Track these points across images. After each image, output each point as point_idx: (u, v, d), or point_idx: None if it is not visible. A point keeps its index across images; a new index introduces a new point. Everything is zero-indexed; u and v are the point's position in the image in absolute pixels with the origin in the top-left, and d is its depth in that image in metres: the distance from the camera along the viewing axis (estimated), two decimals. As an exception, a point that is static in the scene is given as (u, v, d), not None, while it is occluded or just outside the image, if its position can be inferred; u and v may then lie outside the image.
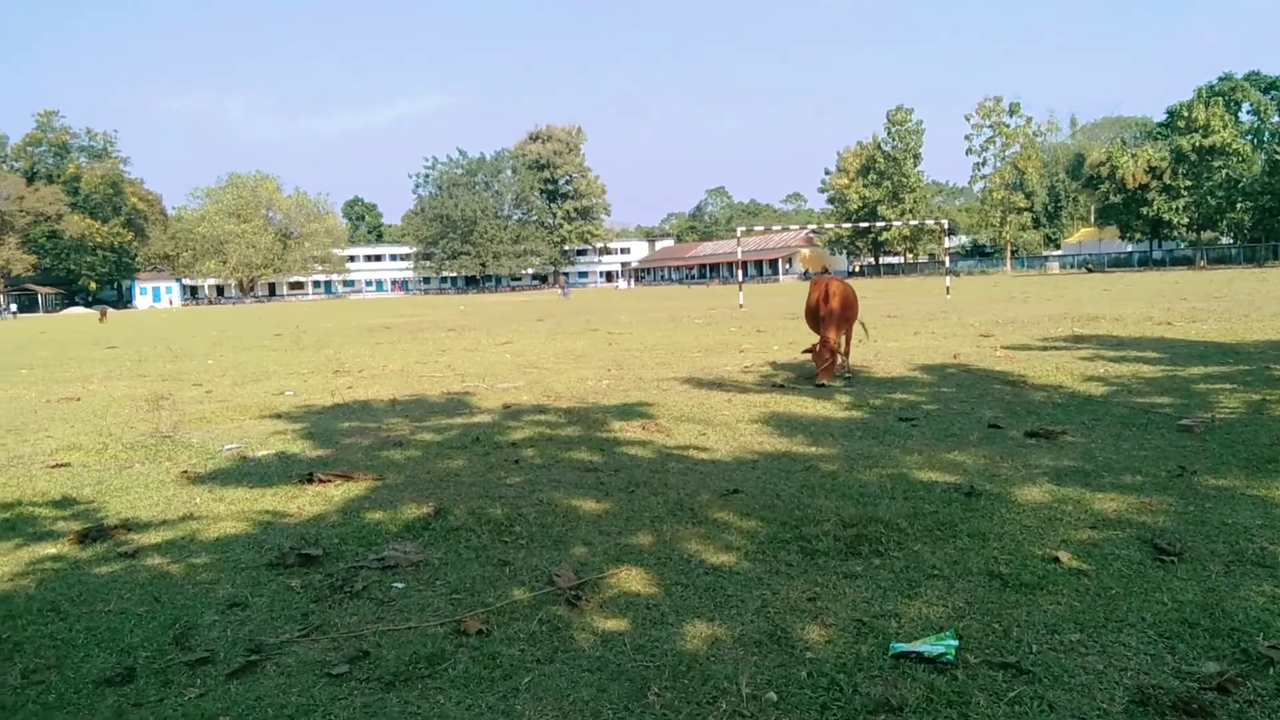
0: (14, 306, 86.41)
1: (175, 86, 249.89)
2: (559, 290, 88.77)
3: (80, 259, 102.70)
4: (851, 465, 6.12)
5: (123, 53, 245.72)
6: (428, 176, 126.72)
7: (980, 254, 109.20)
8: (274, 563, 4.53)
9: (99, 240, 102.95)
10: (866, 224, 79.06)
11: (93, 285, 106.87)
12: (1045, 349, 12.94)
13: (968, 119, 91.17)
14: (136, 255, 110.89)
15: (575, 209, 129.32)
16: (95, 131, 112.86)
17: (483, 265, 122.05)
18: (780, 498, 5.32)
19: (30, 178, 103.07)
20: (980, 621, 3.46)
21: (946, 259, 46.55)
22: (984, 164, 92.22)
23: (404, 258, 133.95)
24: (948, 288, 36.85)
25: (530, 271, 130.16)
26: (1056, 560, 4.06)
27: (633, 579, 4.11)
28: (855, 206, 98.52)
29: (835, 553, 4.31)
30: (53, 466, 7.28)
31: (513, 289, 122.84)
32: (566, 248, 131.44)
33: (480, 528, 4.97)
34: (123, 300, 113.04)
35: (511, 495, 5.66)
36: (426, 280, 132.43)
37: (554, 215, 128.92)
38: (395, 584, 4.19)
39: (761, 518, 4.93)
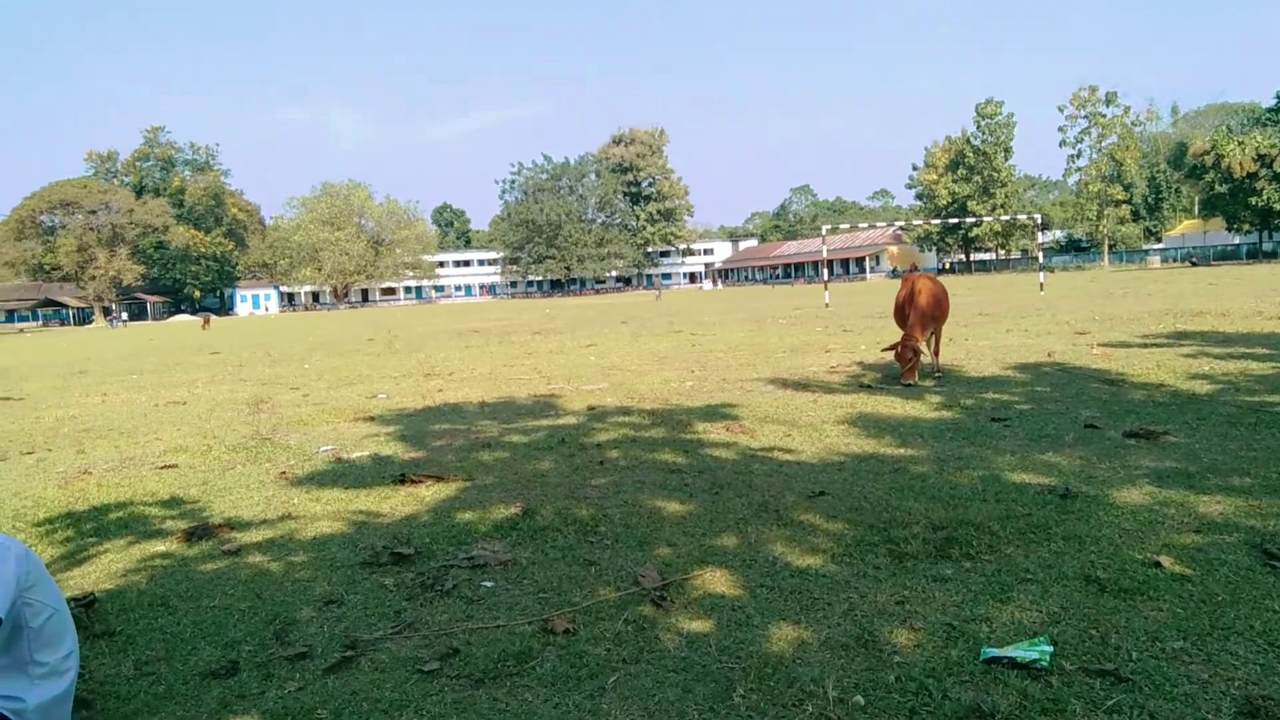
0: (125, 315, 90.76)
1: (272, 100, 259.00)
2: (655, 292, 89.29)
3: (185, 268, 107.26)
4: (942, 467, 6.00)
5: (224, 68, 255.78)
6: (514, 182, 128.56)
7: (1076, 249, 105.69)
8: (368, 561, 4.66)
9: (202, 250, 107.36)
10: (956, 220, 77.24)
11: (197, 293, 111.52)
12: (1145, 346, 12.47)
13: (1061, 110, 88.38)
14: (237, 264, 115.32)
15: (658, 211, 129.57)
16: (199, 145, 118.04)
17: (567, 269, 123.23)
18: (868, 500, 5.25)
19: (139, 191, 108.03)
20: (1076, 627, 3.36)
21: (1040, 254, 45.14)
22: (1079, 156, 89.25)
23: (491, 262, 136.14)
24: (1041, 284, 35.76)
25: (614, 274, 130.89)
26: (1158, 565, 3.91)
27: (718, 580, 4.11)
28: (944, 202, 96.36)
29: (924, 556, 4.24)
30: (161, 467, 7.62)
31: (597, 291, 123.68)
32: (649, 250, 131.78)
33: (567, 528, 5.03)
34: (224, 307, 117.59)
35: (597, 496, 5.72)
36: (513, 284, 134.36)
37: (637, 218, 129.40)
38: (484, 583, 4.27)
39: (848, 520, 4.88)
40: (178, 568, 4.80)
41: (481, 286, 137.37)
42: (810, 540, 4.58)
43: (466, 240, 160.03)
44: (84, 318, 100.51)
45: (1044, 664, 3.03)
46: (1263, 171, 75.44)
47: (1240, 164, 75.74)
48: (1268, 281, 32.89)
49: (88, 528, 5.76)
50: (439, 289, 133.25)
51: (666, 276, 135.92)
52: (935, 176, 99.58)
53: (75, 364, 23.82)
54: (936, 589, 3.83)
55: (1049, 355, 11.96)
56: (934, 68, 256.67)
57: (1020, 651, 3.11)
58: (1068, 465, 5.86)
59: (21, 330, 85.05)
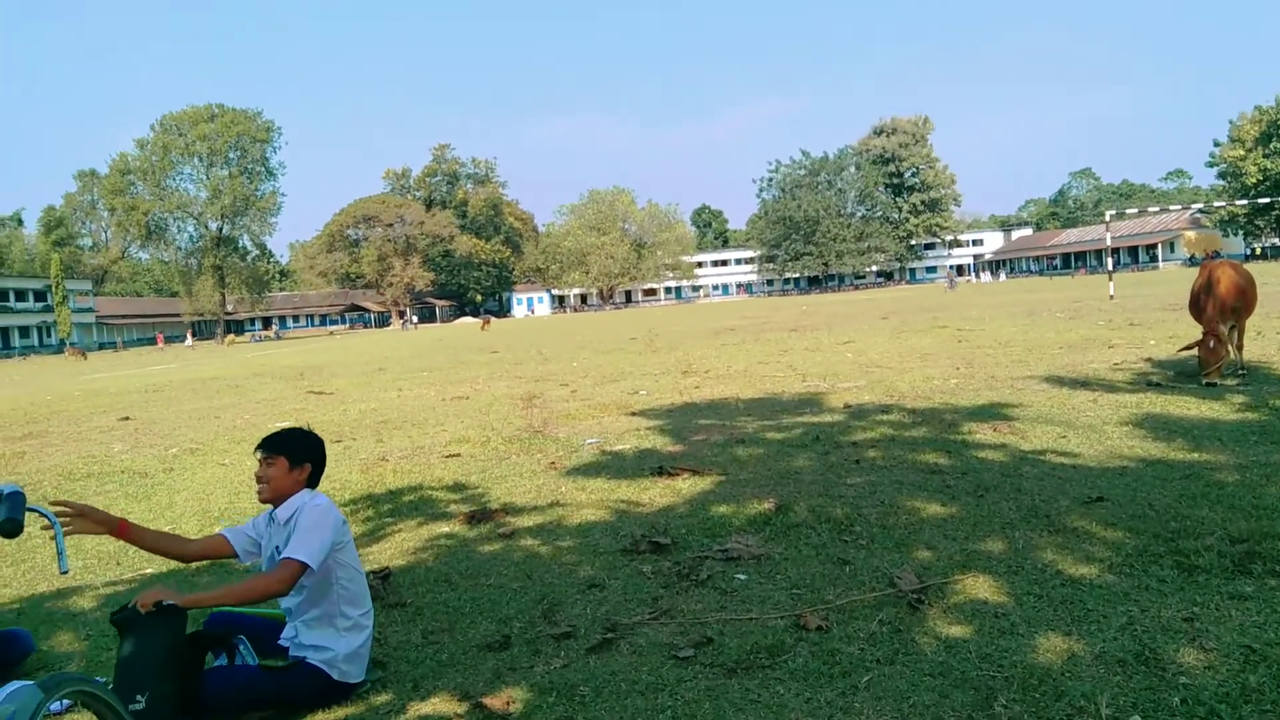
0: (415, 318, 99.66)
1: (541, 113, 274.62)
2: (945, 282, 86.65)
3: (468, 274, 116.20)
4: (1244, 474, 5.39)
5: (500, 87, 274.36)
6: (771, 180, 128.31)
7: None
8: (628, 549, 4.87)
9: (483, 257, 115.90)
10: (1268, 200, 68.49)
11: (478, 297, 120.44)
12: None
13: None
14: (513, 269, 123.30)
15: (922, 201, 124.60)
16: (479, 160, 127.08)
17: (825, 265, 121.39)
18: (1153, 507, 4.82)
19: (428, 204, 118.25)
20: None
21: (1378, 235, 39.20)
22: None
23: (748, 261, 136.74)
24: (1379, 269, 31.02)
25: (874, 269, 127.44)
26: None
27: (980, 586, 3.93)
28: (1254, 180, 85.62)
29: (1219, 570, 3.84)
30: (447, 456, 8.33)
31: (856, 288, 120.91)
32: (913, 242, 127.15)
33: (820, 525, 5.00)
34: (502, 310, 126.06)
35: (852, 495, 5.63)
36: (770, 283, 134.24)
37: (899, 209, 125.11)
38: (738, 575, 4.34)
39: (1130, 528, 4.50)
40: (460, 547, 5.24)
41: (738, 285, 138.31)
42: (1085, 548, 4.28)
43: (724, 240, 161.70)
44: (383, 321, 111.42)
45: (1367, 699, 2.67)
46: None
47: None
48: None
49: (385, 509, 6.42)
50: (697, 289, 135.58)
51: (931, 269, 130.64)
52: (1242, 152, 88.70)
53: (375, 362, 26.45)
54: (1233, 607, 3.46)
55: (1386, 350, 10.38)
56: (1235, 27, 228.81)
57: (1336, 683, 2.75)
58: (1406, 476, 5.08)
59: (331, 333, 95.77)
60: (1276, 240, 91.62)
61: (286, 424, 3.41)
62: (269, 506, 3.49)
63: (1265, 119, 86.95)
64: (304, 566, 3.21)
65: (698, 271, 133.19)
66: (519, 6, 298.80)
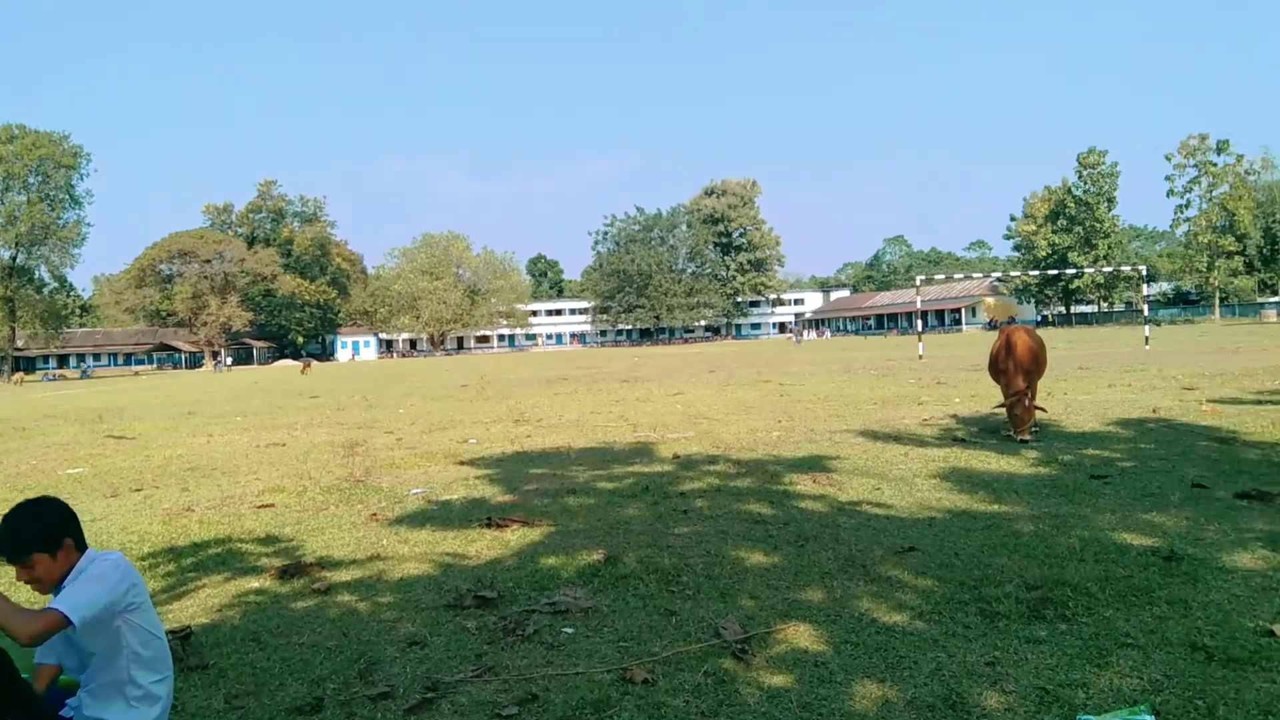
0: (229, 359, 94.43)
1: (377, 154, 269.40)
2: (792, 337, 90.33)
3: (290, 315, 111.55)
4: (1038, 524, 5.79)
5: (334, 123, 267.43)
6: (606, 233, 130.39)
7: (1184, 302, 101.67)
8: (452, 604, 4.72)
9: (307, 298, 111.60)
10: (1056, 271, 75.21)
11: (300, 339, 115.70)
12: (1260, 403, 11.86)
13: (1169, 159, 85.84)
14: (339, 311, 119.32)
15: (749, 261, 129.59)
16: (308, 198, 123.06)
17: (657, 318, 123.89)
18: (959, 556, 5.10)
19: (251, 241, 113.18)
20: (1180, 696, 3.18)
21: (1145, 307, 43.49)
22: (1188, 206, 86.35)
23: (582, 311, 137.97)
24: (1147, 337, 34.45)
25: (703, 323, 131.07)
26: (1271, 634, 3.69)
27: (801, 635, 4.03)
28: (1044, 253, 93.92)
29: (1017, 616, 4.08)
30: (259, 507, 7.88)
31: (685, 341, 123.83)
32: (739, 299, 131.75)
33: (649, 576, 5.01)
34: (325, 353, 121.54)
35: (680, 545, 5.68)
36: (603, 333, 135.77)
37: (727, 267, 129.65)
38: (565, 629, 4.28)
39: (938, 576, 4.74)
40: (270, 604, 4.93)
41: (572, 335, 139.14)
42: (898, 596, 4.46)
43: (559, 290, 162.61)
44: (195, 362, 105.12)
45: (1145, 734, 2.88)
46: (1390, 221, 71.64)
47: (1364, 214, 72.11)
48: (1397, 337, 31.01)
49: (188, 563, 5.98)
50: (531, 337, 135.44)
51: (755, 326, 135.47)
52: (1034, 227, 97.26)
53: (184, 405, 24.88)
54: (1029, 651, 3.68)
55: (1154, 411, 11.48)
56: (1032, 117, 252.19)
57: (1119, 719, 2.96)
58: (1173, 526, 5.60)
59: (137, 373, 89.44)
60: (1063, 308, 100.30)
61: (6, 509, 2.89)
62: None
63: (1053, 198, 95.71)
64: (63, 621, 2.80)
65: (532, 320, 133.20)
66: (358, 45, 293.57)
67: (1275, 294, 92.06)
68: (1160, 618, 3.97)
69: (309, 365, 64.51)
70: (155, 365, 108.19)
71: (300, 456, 11.38)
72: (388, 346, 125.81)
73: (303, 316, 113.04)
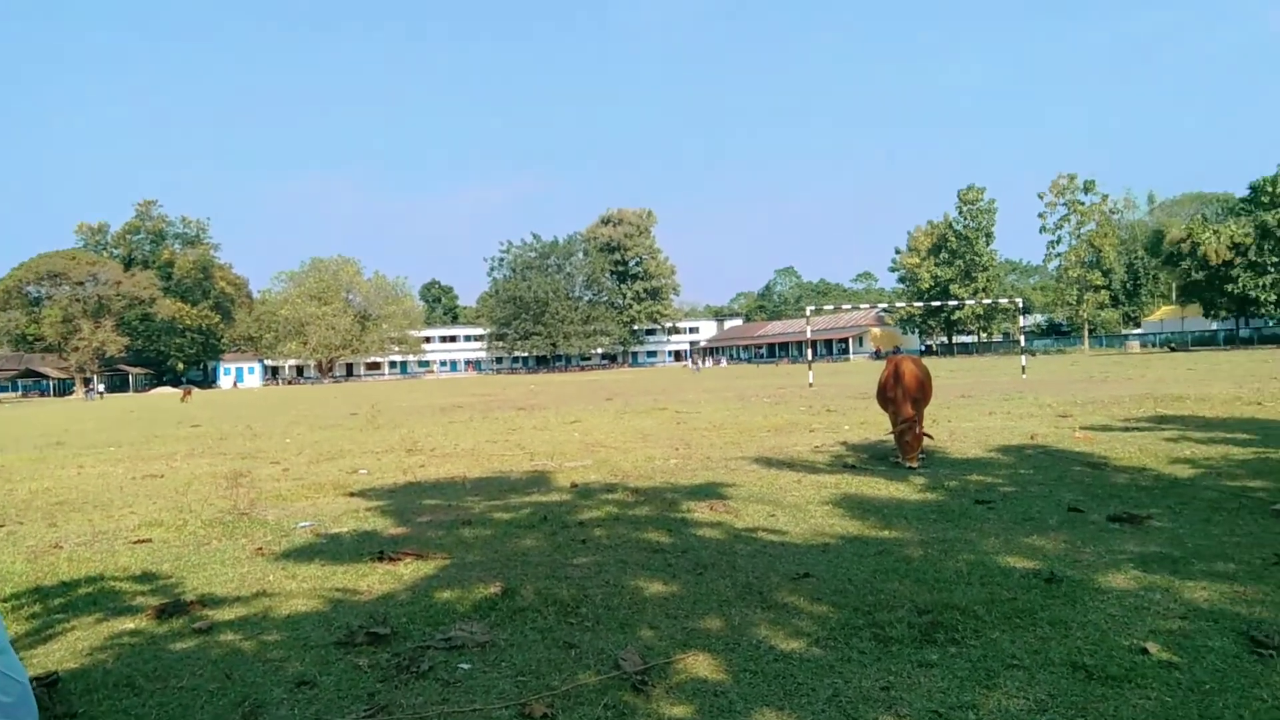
0: (102, 386, 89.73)
1: (265, 175, 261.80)
2: (690, 365, 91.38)
3: (170, 340, 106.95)
4: (926, 549, 5.96)
5: (218, 141, 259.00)
6: (502, 260, 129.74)
7: (1057, 333, 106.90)
8: (343, 641, 4.56)
9: (188, 323, 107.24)
10: (938, 303, 78.21)
11: (180, 366, 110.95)
12: (1127, 430, 12.53)
13: (1041, 197, 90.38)
14: (223, 337, 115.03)
15: (645, 289, 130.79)
16: (190, 219, 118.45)
17: (553, 345, 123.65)
18: (852, 582, 5.20)
19: (128, 264, 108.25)
20: (1064, 715, 3.30)
21: (1021, 338, 45.60)
22: (1059, 242, 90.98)
23: (477, 338, 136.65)
24: (1023, 367, 36.08)
25: (599, 351, 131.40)
26: (1145, 651, 3.87)
27: (700, 664, 4.03)
28: (927, 285, 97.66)
29: (910, 640, 4.18)
30: (135, 542, 7.48)
31: (582, 368, 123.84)
32: (635, 327, 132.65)
33: (547, 609, 4.95)
34: (207, 380, 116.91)
35: (579, 576, 5.63)
36: (499, 360, 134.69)
37: (624, 296, 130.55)
38: (461, 665, 4.18)
39: (833, 603, 4.81)
40: (146, 646, 4.67)
41: (467, 362, 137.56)
42: (794, 623, 4.52)
43: (454, 316, 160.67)
44: (65, 389, 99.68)
45: (1032, 754, 2.97)
46: (1238, 260, 77.03)
47: (1216, 252, 77.36)
48: (1245, 367, 33.28)
49: (55, 604, 5.63)
50: (424, 364, 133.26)
51: (651, 354, 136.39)
52: (918, 260, 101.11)
53: (53, 435, 23.54)
54: (921, 675, 3.77)
55: (1032, 438, 12.00)
56: (916, 153, 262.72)
57: (1008, 741, 3.04)
58: (1052, 549, 5.83)
59: None
60: (945, 338, 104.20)
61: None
62: None
63: (936, 233, 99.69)
64: None
65: (425, 347, 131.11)
66: (245, 63, 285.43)
67: (1138, 326, 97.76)
68: (1043, 638, 4.12)
69: (189, 392, 61.82)
70: (20, 393, 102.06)
71: (180, 488, 10.87)
72: (273, 373, 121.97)
73: (183, 342, 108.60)
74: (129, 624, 5.10)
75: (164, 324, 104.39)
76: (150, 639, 4.80)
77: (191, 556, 6.84)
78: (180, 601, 5.44)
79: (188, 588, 5.88)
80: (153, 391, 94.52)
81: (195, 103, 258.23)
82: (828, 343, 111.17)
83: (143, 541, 7.50)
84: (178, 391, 71.84)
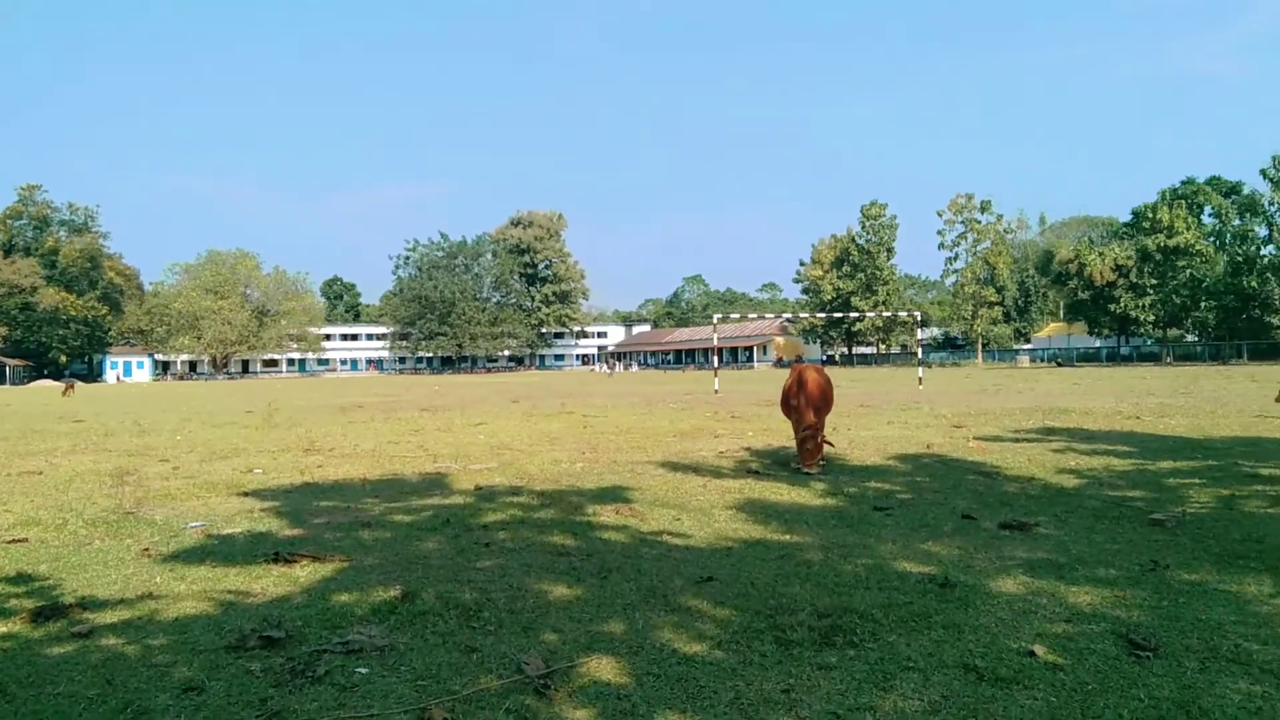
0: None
1: (161, 164, 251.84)
2: (604, 368, 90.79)
3: (52, 332, 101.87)
4: (827, 554, 6.08)
5: (110, 128, 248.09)
6: (408, 258, 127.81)
7: (952, 346, 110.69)
8: (234, 645, 4.39)
9: (73, 314, 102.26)
10: (840, 314, 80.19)
11: (63, 358, 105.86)
12: (1017, 440, 13.03)
13: (940, 215, 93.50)
14: (110, 329, 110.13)
15: (554, 293, 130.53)
16: (77, 206, 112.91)
17: (459, 346, 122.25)
18: (755, 586, 5.26)
19: (8, 250, 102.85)
20: (956, 716, 3.40)
21: (919, 350, 47.06)
22: (956, 259, 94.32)
23: (380, 337, 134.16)
24: (920, 378, 37.21)
25: (507, 353, 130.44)
26: (1032, 654, 4.02)
27: (603, 668, 4.01)
28: (829, 297, 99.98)
29: (810, 643, 4.25)
30: (9, 542, 7.08)
31: (488, 370, 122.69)
32: (544, 330, 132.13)
33: (449, 612, 4.86)
34: (93, 374, 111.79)
35: (482, 579, 5.56)
36: (402, 360, 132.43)
37: (532, 298, 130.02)
38: (359, 669, 4.07)
39: (736, 606, 4.86)
40: (20, 651, 4.42)
41: (369, 361, 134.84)
42: (698, 626, 4.54)
43: (356, 314, 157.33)
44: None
45: (926, 753, 3.05)
46: (1120, 281, 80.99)
47: (1100, 273, 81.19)
48: (1126, 383, 35.00)
49: (-81, 607, 5.28)
50: (324, 362, 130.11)
51: (559, 357, 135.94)
52: (821, 272, 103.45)
53: (-80, 428, 22.16)
54: (821, 677, 3.83)
55: (928, 447, 12.36)
56: (820, 170, 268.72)
57: (903, 741, 3.12)
58: (947, 555, 6.01)
59: None
60: (846, 349, 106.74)
61: None
62: None
63: (839, 246, 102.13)
64: None
65: (326, 344, 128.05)
66: (143, 47, 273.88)
67: (1028, 341, 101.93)
68: (937, 641, 4.24)
69: (72, 386, 58.91)
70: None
71: (60, 486, 10.35)
72: (164, 368, 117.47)
73: (67, 334, 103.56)
74: (1, 628, 4.82)
75: (46, 314, 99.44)
76: (24, 643, 4.54)
77: (71, 557, 6.51)
78: (58, 604, 5.16)
79: (67, 589, 5.59)
80: (32, 385, 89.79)
81: (90, 86, 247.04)
82: (734, 350, 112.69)
83: (18, 541, 7.10)
84: (59, 385, 68.32)
